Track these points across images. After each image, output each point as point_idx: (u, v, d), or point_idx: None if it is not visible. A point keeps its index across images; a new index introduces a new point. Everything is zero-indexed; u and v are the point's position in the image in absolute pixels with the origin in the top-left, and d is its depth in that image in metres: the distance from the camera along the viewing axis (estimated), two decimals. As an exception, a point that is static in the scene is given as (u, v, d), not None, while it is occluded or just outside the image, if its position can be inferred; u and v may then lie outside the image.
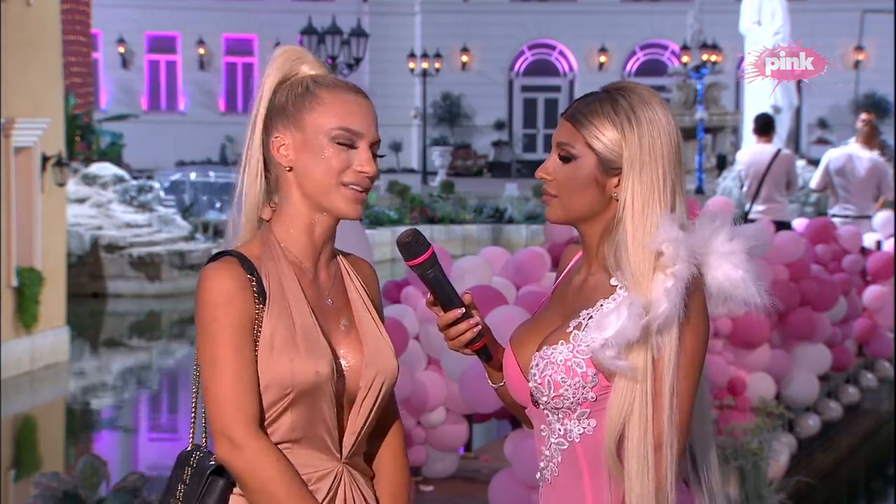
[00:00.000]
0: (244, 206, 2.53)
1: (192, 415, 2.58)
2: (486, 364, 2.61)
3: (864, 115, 13.02)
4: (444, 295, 2.54)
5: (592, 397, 2.44)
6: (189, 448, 2.57)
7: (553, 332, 2.49)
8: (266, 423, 2.44)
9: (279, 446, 2.45)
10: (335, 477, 2.49)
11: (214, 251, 2.52)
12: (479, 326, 2.55)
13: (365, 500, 2.54)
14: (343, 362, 2.52)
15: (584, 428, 2.46)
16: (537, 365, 2.47)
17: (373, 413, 2.54)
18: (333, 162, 2.48)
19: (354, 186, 2.50)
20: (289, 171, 2.50)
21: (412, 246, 2.52)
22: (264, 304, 2.44)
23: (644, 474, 2.39)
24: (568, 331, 2.47)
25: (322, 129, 2.48)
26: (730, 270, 2.45)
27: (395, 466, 2.66)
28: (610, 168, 2.46)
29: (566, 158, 2.49)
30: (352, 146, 2.50)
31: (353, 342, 2.54)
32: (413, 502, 5.96)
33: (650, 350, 2.40)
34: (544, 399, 2.48)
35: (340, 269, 2.60)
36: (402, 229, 25.05)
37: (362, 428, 2.53)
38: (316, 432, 2.47)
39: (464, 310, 2.53)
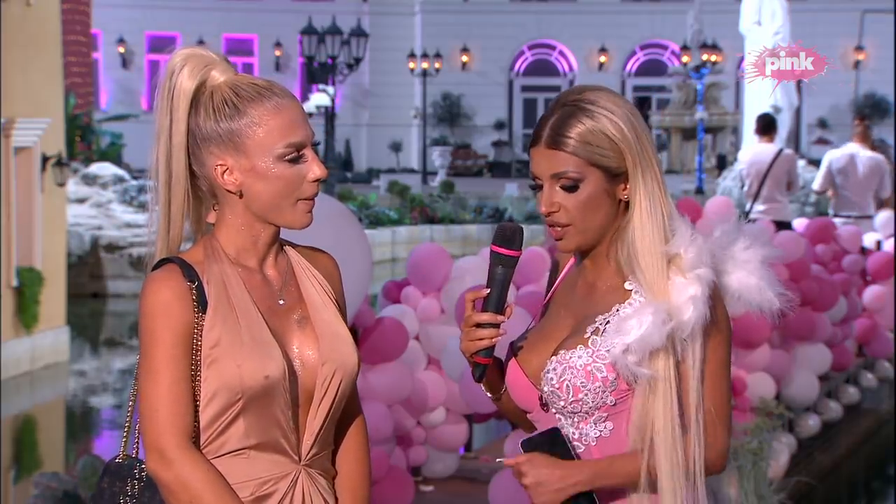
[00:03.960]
0: (171, 219, 2.45)
1: (127, 423, 2.53)
2: (477, 381, 2.56)
3: (856, 121, 13.05)
4: (498, 296, 2.48)
5: (611, 401, 2.44)
6: (122, 459, 2.52)
7: (569, 338, 2.48)
8: (218, 430, 2.40)
9: (236, 453, 2.41)
10: (291, 480, 2.44)
11: (157, 259, 2.45)
12: (498, 340, 2.49)
13: (325, 501, 2.49)
14: (297, 362, 2.45)
15: (600, 431, 2.47)
16: (554, 369, 2.46)
17: (332, 411, 2.48)
18: (286, 181, 2.41)
19: (309, 199, 2.44)
20: (239, 196, 2.43)
21: (512, 236, 2.47)
22: (204, 312, 2.39)
23: (676, 496, 2.41)
24: (585, 336, 2.46)
25: (267, 150, 2.40)
26: (743, 277, 2.47)
27: (354, 464, 2.60)
28: (616, 175, 2.46)
29: (571, 187, 2.44)
30: (299, 158, 2.42)
31: (309, 339, 2.47)
32: (410, 501, 5.97)
33: (673, 356, 2.40)
34: (561, 404, 2.47)
35: (292, 264, 2.54)
36: (401, 229, 24.67)
37: (321, 427, 2.47)
38: (271, 436, 2.42)
39: (503, 320, 2.48)
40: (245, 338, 2.40)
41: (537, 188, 2.49)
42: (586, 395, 2.43)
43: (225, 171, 2.42)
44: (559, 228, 2.48)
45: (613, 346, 2.40)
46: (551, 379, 2.46)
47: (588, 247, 2.50)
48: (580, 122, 2.43)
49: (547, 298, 2.64)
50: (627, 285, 2.46)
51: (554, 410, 2.49)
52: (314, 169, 2.43)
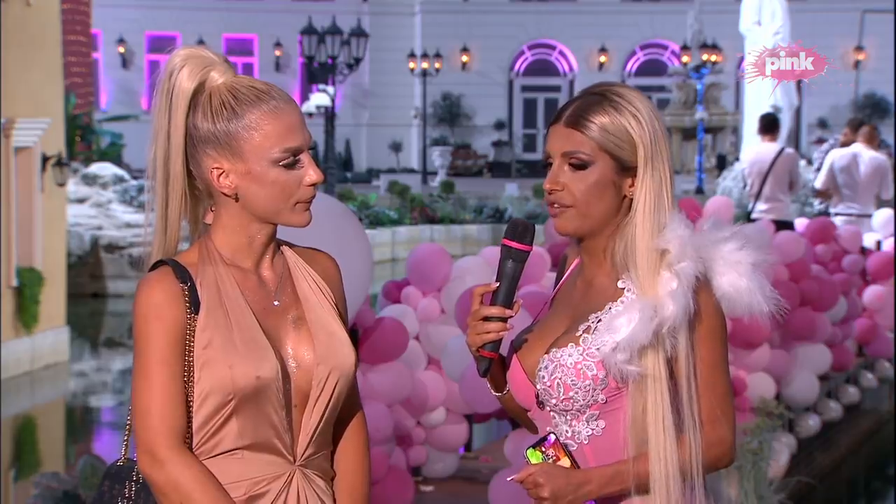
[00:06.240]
0: (168, 219, 2.45)
1: (128, 426, 2.52)
2: (482, 376, 2.56)
3: (846, 130, 13.07)
4: (507, 290, 2.48)
5: (602, 399, 2.45)
6: (123, 462, 2.52)
7: (561, 335, 2.49)
8: (211, 431, 2.39)
9: (229, 453, 2.40)
10: (285, 481, 2.43)
11: (152, 259, 2.45)
12: (505, 334, 2.50)
13: (321, 502, 2.48)
14: (293, 363, 2.45)
15: (592, 429, 2.47)
16: (546, 367, 2.47)
17: (328, 412, 2.47)
18: (283, 185, 2.41)
19: (305, 201, 2.44)
20: (235, 199, 2.42)
21: (523, 231, 2.49)
22: (196, 313, 2.39)
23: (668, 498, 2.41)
24: (577, 334, 2.47)
25: (264, 155, 2.39)
26: (735, 279, 2.47)
27: (353, 464, 2.58)
28: (626, 168, 2.47)
29: (580, 166, 2.46)
30: (296, 164, 2.42)
31: (304, 340, 2.46)
32: (412, 501, 5.97)
33: (662, 353, 2.41)
34: (553, 401, 2.47)
35: (288, 265, 2.53)
36: (401, 229, 24.61)
37: (317, 428, 2.46)
38: (265, 437, 2.41)
39: (511, 314, 2.48)
40: (237, 339, 2.40)
41: (547, 167, 2.51)
42: (576, 392, 2.44)
43: (221, 175, 2.41)
44: (559, 207, 2.49)
45: (603, 345, 2.41)
46: (543, 377, 2.48)
47: (584, 233, 2.51)
48: (604, 111, 2.46)
49: (552, 295, 2.65)
50: (620, 284, 2.47)
51: (548, 408, 2.50)
52: (310, 173, 2.43)
